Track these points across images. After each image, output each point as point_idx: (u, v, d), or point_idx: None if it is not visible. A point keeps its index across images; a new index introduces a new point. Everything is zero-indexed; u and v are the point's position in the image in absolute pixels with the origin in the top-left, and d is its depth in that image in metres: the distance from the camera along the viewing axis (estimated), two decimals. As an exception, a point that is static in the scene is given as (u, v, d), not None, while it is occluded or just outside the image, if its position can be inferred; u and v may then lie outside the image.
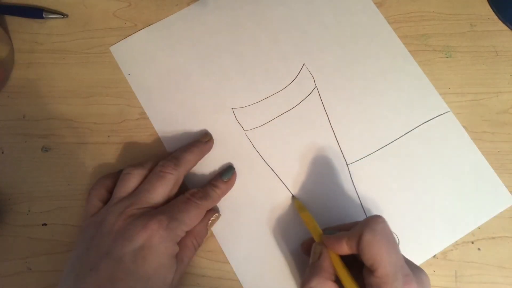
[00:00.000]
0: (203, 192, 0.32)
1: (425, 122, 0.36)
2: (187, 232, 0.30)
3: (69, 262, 0.29)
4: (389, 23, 0.38)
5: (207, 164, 0.35)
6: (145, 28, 0.39)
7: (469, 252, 0.33)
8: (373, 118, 0.36)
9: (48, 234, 0.34)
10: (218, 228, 0.34)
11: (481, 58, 0.37)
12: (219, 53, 0.38)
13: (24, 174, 0.36)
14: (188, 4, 0.39)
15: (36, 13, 0.38)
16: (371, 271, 0.25)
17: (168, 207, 0.30)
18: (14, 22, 0.39)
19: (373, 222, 0.26)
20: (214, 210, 0.33)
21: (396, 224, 0.33)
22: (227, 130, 0.36)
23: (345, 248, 0.26)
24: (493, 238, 0.33)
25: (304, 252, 0.32)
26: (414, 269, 0.26)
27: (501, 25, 0.38)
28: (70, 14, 0.39)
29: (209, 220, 0.32)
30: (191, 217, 0.30)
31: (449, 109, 0.36)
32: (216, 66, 0.38)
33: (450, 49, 0.38)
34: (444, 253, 0.33)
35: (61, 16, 0.39)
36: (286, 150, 0.35)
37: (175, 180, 0.31)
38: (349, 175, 0.35)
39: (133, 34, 0.39)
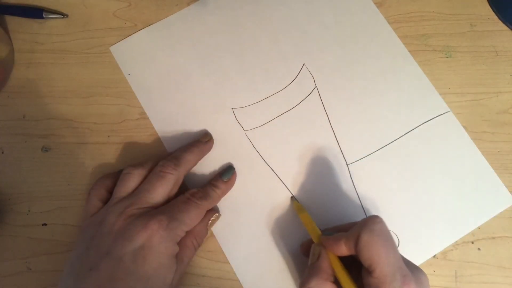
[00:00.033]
0: (203, 192, 0.32)
1: (425, 122, 0.36)
2: (187, 232, 0.30)
3: (69, 262, 0.29)
4: (389, 23, 0.38)
5: (207, 164, 0.35)
6: (145, 28, 0.39)
7: (469, 252, 0.33)
8: (373, 118, 0.36)
9: (48, 234, 0.34)
10: (218, 228, 0.34)
11: (481, 58, 0.37)
12: (219, 53, 0.38)
13: (24, 174, 0.36)
14: (188, 4, 0.39)
15: (36, 13, 0.38)
16: (369, 271, 0.25)
17: (168, 207, 0.30)
18: (14, 22, 0.39)
19: (371, 222, 0.26)
20: (214, 210, 0.33)
21: (396, 224, 0.33)
22: (227, 130, 0.36)
23: (343, 249, 0.26)
24: (493, 238, 0.33)
25: (304, 253, 0.32)
26: (413, 269, 0.26)
27: (501, 25, 0.38)
28: (70, 14, 0.39)
29: (209, 220, 0.32)
30: (191, 217, 0.30)
31: (449, 109, 0.36)
32: (216, 66, 0.38)
33: (450, 49, 0.38)
34: (444, 253, 0.33)
35: (61, 16, 0.39)
36: (286, 150, 0.35)
37: (175, 180, 0.31)
38: (349, 175, 0.35)
39: (133, 34, 0.39)
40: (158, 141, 0.36)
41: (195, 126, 0.36)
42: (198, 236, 0.32)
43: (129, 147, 0.36)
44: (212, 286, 0.33)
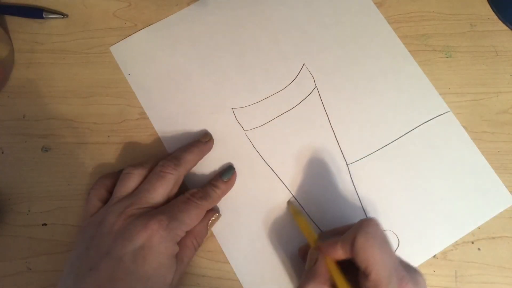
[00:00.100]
0: (203, 192, 0.32)
1: (425, 122, 0.36)
2: (187, 232, 0.30)
3: (68, 262, 0.29)
4: (389, 23, 0.38)
5: (207, 164, 0.35)
6: (145, 28, 0.39)
7: (469, 252, 0.33)
8: (373, 118, 0.36)
9: (48, 234, 0.34)
10: (218, 228, 0.34)
11: (481, 58, 0.37)
12: (219, 53, 0.38)
13: (24, 174, 0.36)
14: (188, 4, 0.39)
15: (36, 13, 0.38)
16: (365, 275, 0.24)
17: (168, 207, 0.30)
18: (14, 22, 0.39)
19: (366, 225, 0.25)
20: (214, 210, 0.33)
21: (396, 224, 0.33)
22: (227, 130, 0.36)
23: (340, 253, 0.26)
24: (493, 238, 0.33)
25: (302, 258, 0.32)
26: (409, 271, 0.26)
27: (501, 25, 0.38)
28: (70, 14, 0.39)
29: (209, 220, 0.32)
30: (191, 217, 0.30)
31: (449, 109, 0.36)
32: (216, 66, 0.38)
33: (450, 49, 0.38)
34: (444, 253, 0.33)
35: (61, 16, 0.39)
36: (286, 150, 0.35)
37: (175, 180, 0.31)
38: (349, 175, 0.35)
39: (133, 34, 0.39)
40: (158, 141, 0.36)
41: (195, 126, 0.36)
42: (198, 236, 0.32)
43: (129, 147, 0.36)
44: (212, 286, 0.33)
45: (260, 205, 0.34)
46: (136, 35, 0.39)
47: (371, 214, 0.34)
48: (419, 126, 0.36)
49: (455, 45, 0.38)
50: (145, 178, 0.32)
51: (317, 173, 0.35)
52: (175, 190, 0.32)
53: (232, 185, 0.34)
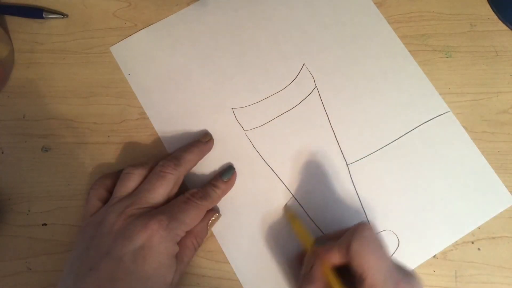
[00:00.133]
0: (203, 192, 0.32)
1: (425, 122, 0.36)
2: (187, 232, 0.30)
3: (68, 262, 0.29)
4: (389, 23, 0.38)
5: (207, 164, 0.35)
6: (145, 28, 0.39)
7: (469, 252, 0.33)
8: (373, 118, 0.36)
9: (48, 234, 0.34)
10: (218, 228, 0.34)
11: (481, 58, 0.37)
12: (219, 53, 0.38)
13: (24, 174, 0.36)
14: (188, 4, 0.39)
15: (36, 13, 0.38)
16: (361, 279, 0.25)
17: (168, 207, 0.30)
18: (14, 22, 0.39)
19: (361, 230, 0.26)
20: (214, 210, 0.33)
21: (396, 224, 0.33)
22: (227, 130, 0.36)
23: (336, 258, 0.26)
24: (493, 238, 0.33)
25: (299, 263, 0.32)
26: (405, 275, 0.26)
27: (501, 25, 0.38)
28: (70, 14, 0.39)
29: (209, 220, 0.32)
30: (191, 217, 0.30)
31: (449, 109, 0.36)
32: (216, 66, 0.38)
33: (450, 49, 0.38)
34: (444, 253, 0.33)
35: (61, 16, 0.39)
36: (286, 150, 0.35)
37: (175, 180, 0.31)
38: (349, 175, 0.35)
39: (133, 34, 0.39)
40: (158, 141, 0.36)
41: (195, 126, 0.36)
42: (198, 236, 0.32)
43: (129, 147, 0.36)
44: (212, 286, 0.33)
45: (260, 205, 0.34)
46: (136, 35, 0.39)
47: (371, 214, 0.34)
48: (419, 126, 0.36)
49: (455, 45, 0.38)
50: (145, 178, 0.32)
51: (317, 173, 0.35)
52: (175, 190, 0.32)
53: (232, 185, 0.34)
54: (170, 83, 0.37)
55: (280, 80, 0.37)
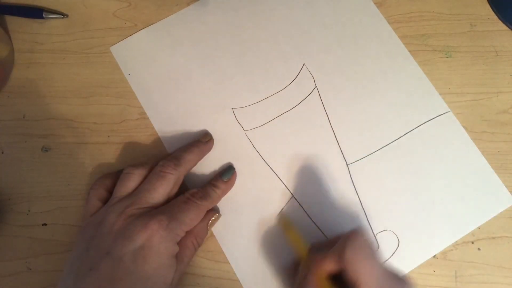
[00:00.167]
0: (203, 192, 0.32)
1: (425, 122, 0.36)
2: (187, 232, 0.30)
3: (68, 262, 0.29)
4: (389, 23, 0.38)
5: (207, 164, 0.35)
6: (145, 28, 0.39)
7: (469, 252, 0.33)
8: (373, 118, 0.36)
9: (48, 234, 0.34)
10: (218, 228, 0.34)
11: (481, 58, 0.37)
12: (219, 53, 0.38)
13: (24, 174, 0.36)
14: (188, 4, 0.39)
15: (36, 13, 0.38)
16: (356, 287, 0.25)
17: (168, 207, 0.30)
18: (14, 22, 0.39)
19: (354, 237, 0.26)
20: (214, 210, 0.33)
21: (396, 224, 0.33)
22: (227, 130, 0.36)
23: (330, 266, 0.26)
24: (493, 238, 0.33)
25: (293, 271, 0.32)
26: (398, 281, 0.26)
27: (501, 25, 0.38)
28: (70, 14, 0.39)
29: (209, 220, 0.32)
30: (191, 217, 0.30)
31: (449, 109, 0.36)
32: (216, 66, 0.38)
33: (450, 49, 0.38)
34: (444, 253, 0.33)
35: (61, 16, 0.39)
36: (286, 150, 0.35)
37: (175, 180, 0.31)
38: (349, 175, 0.35)
39: (133, 34, 0.39)
40: (158, 141, 0.36)
41: (195, 126, 0.36)
42: (198, 236, 0.32)
43: (129, 147, 0.36)
44: (212, 286, 0.33)
45: (260, 205, 0.34)
46: (136, 35, 0.39)
47: (371, 214, 0.34)
48: (419, 126, 0.36)
49: (455, 45, 0.38)
50: (145, 178, 0.32)
51: (317, 173, 0.35)
52: (175, 190, 0.32)
53: (232, 185, 0.34)
54: (170, 83, 0.37)
55: (280, 80, 0.37)
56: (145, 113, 0.37)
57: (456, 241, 0.33)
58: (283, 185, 0.35)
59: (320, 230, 0.33)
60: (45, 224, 0.34)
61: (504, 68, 0.37)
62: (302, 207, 0.34)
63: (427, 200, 0.34)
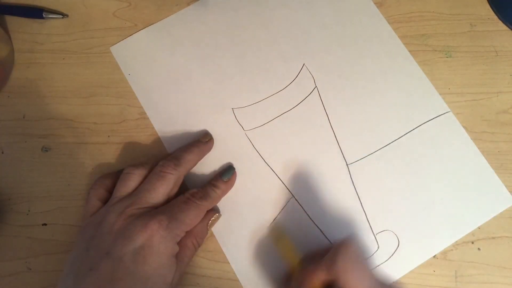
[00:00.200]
0: (203, 192, 0.32)
1: (425, 122, 0.36)
2: (187, 232, 0.30)
3: (68, 262, 0.29)
4: (389, 23, 0.38)
5: (207, 164, 0.35)
6: (145, 28, 0.39)
7: (469, 252, 0.33)
8: (373, 118, 0.36)
9: (48, 234, 0.34)
10: (218, 228, 0.34)
11: (481, 58, 0.37)
12: (219, 53, 0.38)
13: (24, 174, 0.36)
14: (188, 4, 0.39)
15: (36, 13, 0.38)
16: None
17: (168, 207, 0.30)
18: (14, 22, 0.39)
19: (344, 248, 0.26)
20: (214, 210, 0.33)
21: (396, 224, 0.33)
22: (227, 130, 0.36)
23: (323, 277, 0.26)
24: (493, 238, 0.33)
25: (285, 283, 0.32)
26: None
27: (501, 25, 0.38)
28: (70, 14, 0.39)
29: (209, 220, 0.32)
30: (191, 217, 0.30)
31: (449, 110, 0.36)
32: (216, 66, 0.38)
33: (450, 49, 0.38)
34: (444, 253, 0.33)
35: (61, 16, 0.39)
36: (286, 150, 0.35)
37: (175, 180, 0.31)
38: (349, 175, 0.35)
39: (133, 34, 0.39)
40: (158, 141, 0.36)
41: (195, 126, 0.36)
42: (198, 236, 0.32)
43: (129, 147, 0.36)
44: (212, 286, 0.33)
45: (260, 205, 0.34)
46: (136, 35, 0.39)
47: (371, 214, 0.34)
48: (419, 126, 0.36)
49: (455, 45, 0.38)
50: (145, 178, 0.32)
51: (317, 173, 0.35)
52: (175, 190, 0.32)
53: (232, 185, 0.34)
54: (170, 83, 0.37)
55: (280, 80, 0.37)
56: (145, 113, 0.37)
57: (456, 241, 0.33)
58: (283, 185, 0.35)
59: (320, 230, 0.33)
60: (45, 224, 0.34)
61: (504, 68, 0.37)
62: (302, 207, 0.34)
63: (427, 200, 0.34)
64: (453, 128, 0.36)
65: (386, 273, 0.32)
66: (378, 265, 0.33)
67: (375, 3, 0.39)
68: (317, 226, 0.34)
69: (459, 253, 0.33)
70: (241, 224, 0.34)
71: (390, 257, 0.33)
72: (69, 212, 0.35)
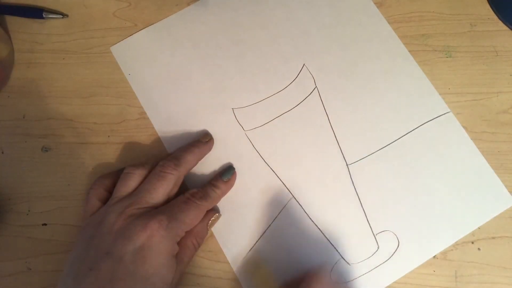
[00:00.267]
0: (203, 192, 0.32)
1: (425, 123, 0.36)
2: (187, 232, 0.30)
3: (68, 262, 0.29)
4: (389, 23, 0.38)
5: (207, 164, 0.35)
6: (145, 28, 0.39)
7: (469, 252, 0.33)
8: (373, 118, 0.36)
9: (48, 234, 0.34)
10: (218, 228, 0.34)
11: (481, 58, 0.37)
12: (219, 53, 0.38)
13: (24, 174, 0.36)
14: (188, 4, 0.39)
15: (36, 13, 0.38)
16: None
17: (168, 207, 0.30)
18: (14, 22, 0.39)
19: (315, 280, 0.27)
20: (214, 210, 0.33)
21: (396, 224, 0.33)
22: (227, 130, 0.36)
23: None
24: (493, 238, 0.33)
25: None
26: None
27: (501, 25, 0.38)
28: (70, 14, 0.39)
29: (209, 220, 0.32)
30: (191, 217, 0.30)
31: (449, 110, 0.36)
32: (216, 66, 0.38)
33: (450, 49, 0.38)
34: (444, 253, 0.33)
35: (61, 16, 0.39)
36: (286, 150, 0.35)
37: (176, 180, 0.31)
38: (349, 176, 0.35)
39: (133, 34, 0.39)
40: (158, 141, 0.36)
41: (195, 126, 0.36)
42: (198, 236, 0.32)
43: (129, 147, 0.36)
44: (212, 286, 0.33)
45: (260, 205, 0.34)
46: (136, 35, 0.39)
47: (371, 214, 0.34)
48: (419, 126, 0.36)
49: (455, 45, 0.38)
50: (145, 178, 0.32)
51: (317, 173, 0.35)
52: (175, 190, 0.32)
53: (232, 185, 0.34)
54: (170, 83, 0.37)
55: (280, 80, 0.37)
56: (145, 113, 0.37)
57: (456, 241, 0.33)
58: (283, 185, 0.35)
59: (320, 230, 0.33)
60: (45, 224, 0.34)
61: (504, 68, 0.37)
62: (302, 207, 0.34)
63: (427, 200, 0.34)
64: (453, 128, 0.36)
65: (386, 273, 0.32)
66: (378, 265, 0.33)
67: (375, 3, 0.39)
68: (317, 226, 0.34)
69: (459, 253, 0.33)
70: (241, 224, 0.34)
71: (390, 257, 0.33)
72: (69, 212, 0.35)
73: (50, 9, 0.39)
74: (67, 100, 0.37)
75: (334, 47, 0.38)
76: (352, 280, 0.32)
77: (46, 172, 0.36)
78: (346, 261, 0.33)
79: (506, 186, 0.34)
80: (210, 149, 0.35)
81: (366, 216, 0.34)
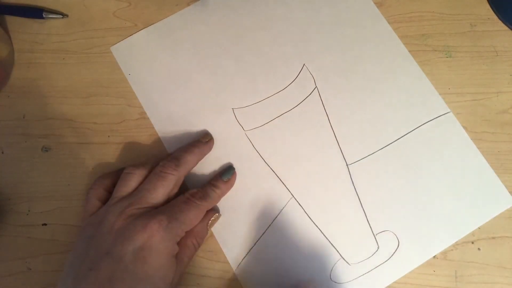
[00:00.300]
0: (203, 192, 0.32)
1: (425, 123, 0.36)
2: (187, 232, 0.30)
3: (68, 262, 0.29)
4: (389, 23, 0.38)
5: (207, 164, 0.35)
6: (145, 28, 0.39)
7: (469, 252, 0.33)
8: (373, 118, 0.36)
9: (48, 234, 0.34)
10: (218, 228, 0.34)
11: (481, 58, 0.37)
12: (219, 53, 0.38)
13: (24, 174, 0.36)
14: (188, 4, 0.39)
15: (36, 13, 0.38)
16: None
17: (168, 207, 0.30)
18: (14, 22, 0.39)
19: None
20: (214, 210, 0.33)
21: (396, 224, 0.33)
22: (227, 130, 0.36)
23: None
24: (493, 238, 0.33)
25: None
26: None
27: (501, 25, 0.38)
28: (70, 14, 0.39)
29: (209, 220, 0.32)
30: (191, 217, 0.30)
31: (449, 110, 0.36)
32: (216, 66, 0.38)
33: (450, 49, 0.38)
34: (444, 253, 0.33)
35: (61, 16, 0.39)
36: (286, 150, 0.35)
37: (176, 181, 0.31)
38: (349, 176, 0.35)
39: (133, 34, 0.39)
40: (158, 141, 0.36)
41: (195, 126, 0.36)
42: (198, 236, 0.32)
43: (129, 147, 0.36)
44: (212, 286, 0.33)
45: (260, 205, 0.34)
46: (136, 35, 0.39)
47: (371, 214, 0.34)
48: (419, 126, 0.36)
49: (455, 45, 0.38)
50: (145, 178, 0.32)
51: (317, 173, 0.35)
52: (175, 190, 0.32)
53: (232, 185, 0.34)
54: (170, 83, 0.37)
55: (280, 81, 0.37)
56: (145, 113, 0.37)
57: (456, 241, 0.33)
58: (283, 185, 0.35)
59: (320, 230, 0.33)
60: (45, 224, 0.34)
61: (504, 68, 0.37)
62: (302, 207, 0.34)
63: (427, 200, 0.34)
64: (453, 128, 0.36)
65: (386, 273, 0.32)
66: (378, 265, 0.33)
67: (375, 3, 0.39)
68: (317, 226, 0.34)
69: (459, 253, 0.33)
70: (241, 224, 0.34)
71: (390, 257, 0.33)
72: (69, 212, 0.35)
73: (50, 9, 0.39)
74: (67, 100, 0.37)
75: (334, 47, 0.38)
76: (352, 280, 0.32)
77: (46, 172, 0.36)
78: (346, 261, 0.33)
79: (506, 186, 0.34)
80: (210, 149, 0.35)
81: (366, 216, 0.34)
